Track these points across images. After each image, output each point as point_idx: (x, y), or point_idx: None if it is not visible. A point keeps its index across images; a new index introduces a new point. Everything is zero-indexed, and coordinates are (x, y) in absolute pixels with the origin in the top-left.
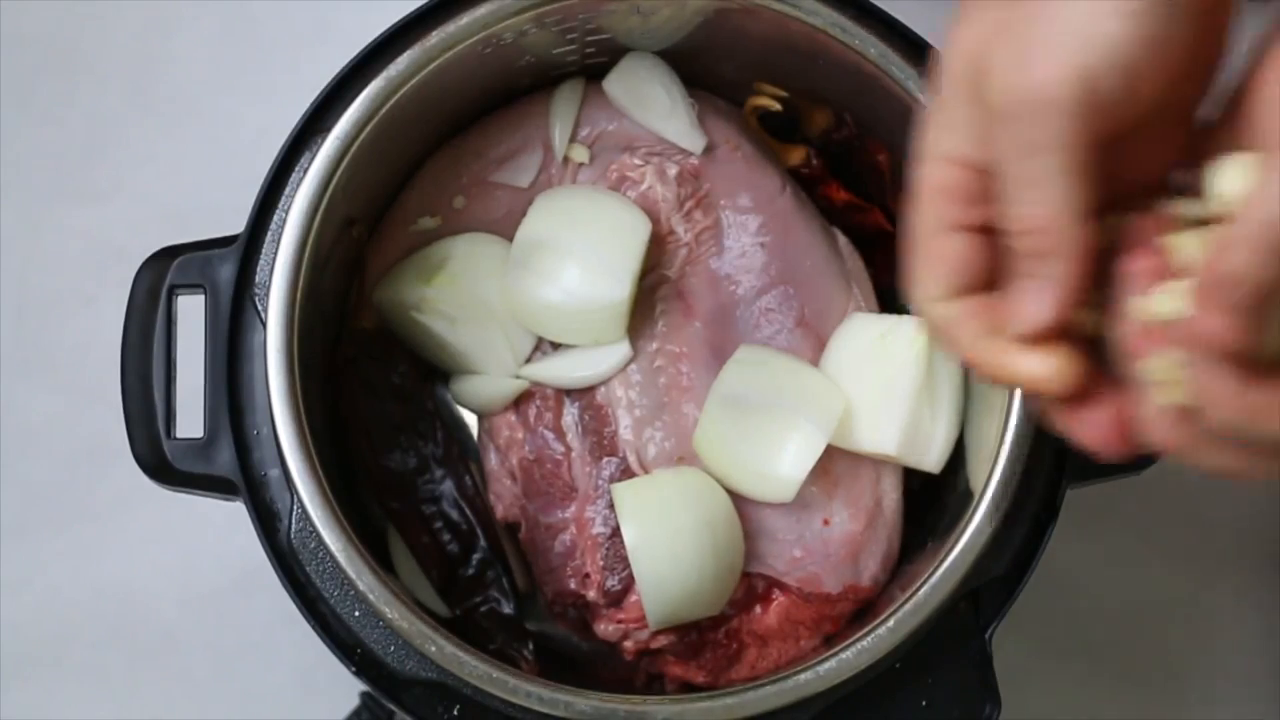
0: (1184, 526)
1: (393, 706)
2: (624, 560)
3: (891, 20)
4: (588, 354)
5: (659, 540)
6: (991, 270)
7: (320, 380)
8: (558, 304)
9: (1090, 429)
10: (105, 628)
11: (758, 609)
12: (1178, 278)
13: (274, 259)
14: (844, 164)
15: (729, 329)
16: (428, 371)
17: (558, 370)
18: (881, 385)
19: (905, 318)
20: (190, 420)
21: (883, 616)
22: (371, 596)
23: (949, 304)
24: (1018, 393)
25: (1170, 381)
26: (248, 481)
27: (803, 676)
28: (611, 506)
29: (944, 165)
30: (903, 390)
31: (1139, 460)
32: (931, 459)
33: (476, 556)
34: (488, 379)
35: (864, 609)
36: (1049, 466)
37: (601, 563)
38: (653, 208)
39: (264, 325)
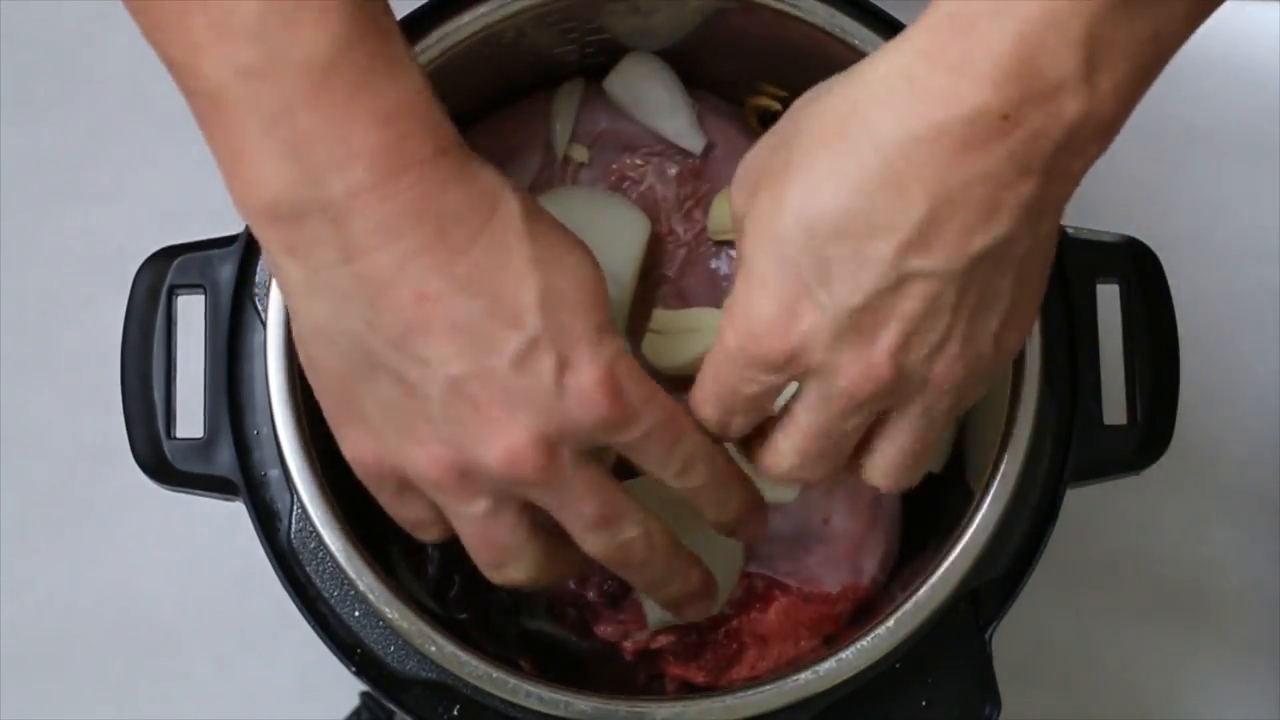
0: (1184, 526)
1: (393, 706)
2: None
3: (892, 20)
4: None
5: None
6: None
7: None
8: None
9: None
10: (105, 628)
11: (758, 609)
12: None
13: None
14: None
15: None
16: None
17: None
18: None
19: None
20: (190, 420)
21: (883, 616)
22: (371, 596)
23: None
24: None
25: None
26: (248, 481)
27: (803, 676)
28: None
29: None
30: None
31: (1139, 459)
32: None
33: None
34: None
35: (864, 609)
36: (1049, 466)
37: None
38: (653, 208)
39: (264, 325)
